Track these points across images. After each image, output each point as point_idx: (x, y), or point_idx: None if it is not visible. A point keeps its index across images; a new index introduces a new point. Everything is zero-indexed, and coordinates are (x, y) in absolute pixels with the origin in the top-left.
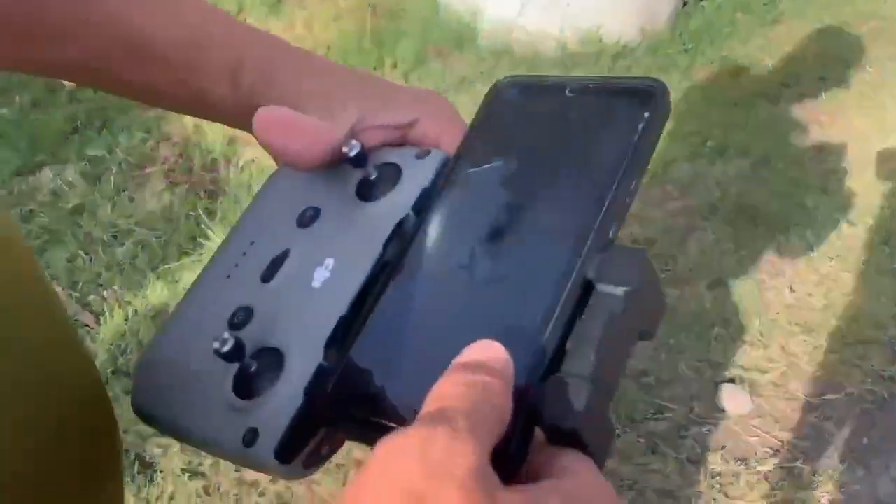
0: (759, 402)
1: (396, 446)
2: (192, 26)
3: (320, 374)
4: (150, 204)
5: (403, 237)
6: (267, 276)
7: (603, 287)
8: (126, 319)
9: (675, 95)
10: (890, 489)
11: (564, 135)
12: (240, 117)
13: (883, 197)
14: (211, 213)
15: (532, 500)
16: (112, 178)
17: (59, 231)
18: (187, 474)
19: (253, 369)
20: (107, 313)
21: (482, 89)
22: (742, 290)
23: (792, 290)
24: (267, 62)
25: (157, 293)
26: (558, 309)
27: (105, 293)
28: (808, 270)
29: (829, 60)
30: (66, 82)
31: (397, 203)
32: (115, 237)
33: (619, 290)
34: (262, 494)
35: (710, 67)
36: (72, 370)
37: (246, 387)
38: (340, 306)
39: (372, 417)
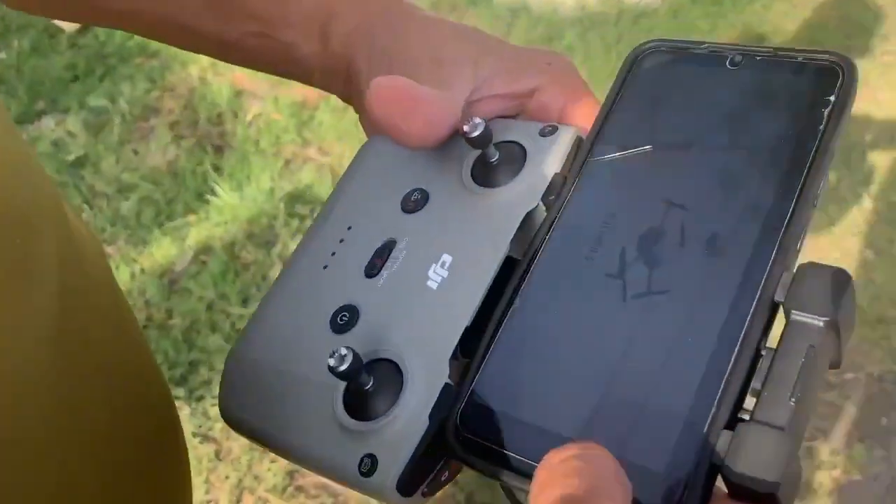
0: None
1: None
2: None
3: (445, 395)
4: (155, 158)
5: (532, 233)
6: (371, 271)
7: (798, 316)
8: (132, 277)
9: None
10: None
11: (729, 118)
12: (328, 76)
13: None
14: (218, 170)
15: None
16: (115, 129)
17: (63, 183)
18: (198, 438)
19: (369, 386)
20: (112, 270)
21: None
22: None
23: None
24: (361, 14)
25: (164, 250)
26: (740, 341)
27: (109, 249)
28: (829, 246)
29: (853, 29)
30: (65, 27)
31: (523, 191)
32: (119, 191)
33: (818, 321)
34: (273, 461)
35: (731, 32)
36: (145, 386)
37: (360, 405)
38: (464, 315)
39: (505, 450)
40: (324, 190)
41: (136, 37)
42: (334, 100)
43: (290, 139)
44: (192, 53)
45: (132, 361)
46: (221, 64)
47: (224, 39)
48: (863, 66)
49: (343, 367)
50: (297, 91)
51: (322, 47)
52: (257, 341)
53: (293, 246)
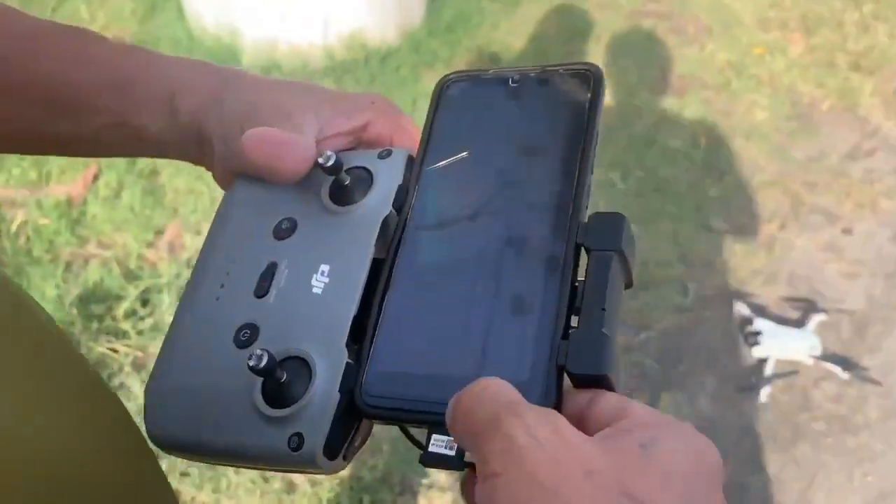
0: None
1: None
2: (117, 68)
3: (349, 372)
4: None
5: (390, 234)
6: (260, 292)
7: (596, 250)
8: None
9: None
10: (708, 404)
11: (519, 121)
12: (181, 146)
13: (644, 149)
14: None
15: (616, 444)
16: None
17: None
18: None
19: (284, 379)
20: None
21: None
22: None
23: None
24: (203, 88)
25: None
26: (561, 277)
27: None
28: None
29: (570, 35)
30: None
31: (377, 203)
32: None
33: (610, 252)
34: None
35: (468, 55)
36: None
37: (279, 396)
38: (350, 306)
39: (402, 400)
40: (114, 283)
41: None
42: (102, 189)
43: (65, 241)
44: None
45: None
46: None
47: (81, 136)
48: None
49: (261, 365)
50: (58, 190)
51: (171, 122)
52: (171, 371)
53: (100, 349)
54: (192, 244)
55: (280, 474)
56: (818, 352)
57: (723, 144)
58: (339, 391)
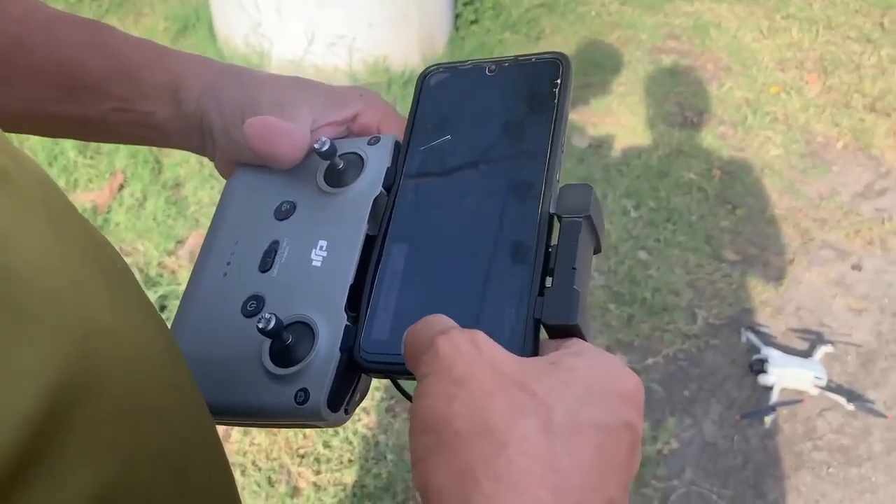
0: None
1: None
2: (125, 57)
3: (348, 333)
4: None
5: (381, 211)
6: (265, 267)
7: (567, 217)
8: None
9: None
10: (713, 430)
11: (495, 106)
12: (184, 134)
13: (658, 180)
14: None
15: (554, 357)
16: None
17: None
18: None
19: (289, 341)
20: None
21: None
22: None
23: (600, 273)
24: (206, 79)
25: None
26: (535, 241)
27: None
28: (610, 253)
29: (590, 68)
30: None
31: (368, 184)
32: None
33: (579, 217)
34: None
35: None
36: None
37: (286, 356)
38: (347, 276)
39: (398, 359)
40: None
41: None
42: (126, 198)
43: None
44: None
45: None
46: None
47: (88, 119)
48: (605, 98)
49: (269, 327)
50: (85, 197)
51: (176, 111)
52: (184, 342)
53: None
54: None
55: (285, 480)
56: (823, 382)
57: (736, 178)
58: (340, 350)
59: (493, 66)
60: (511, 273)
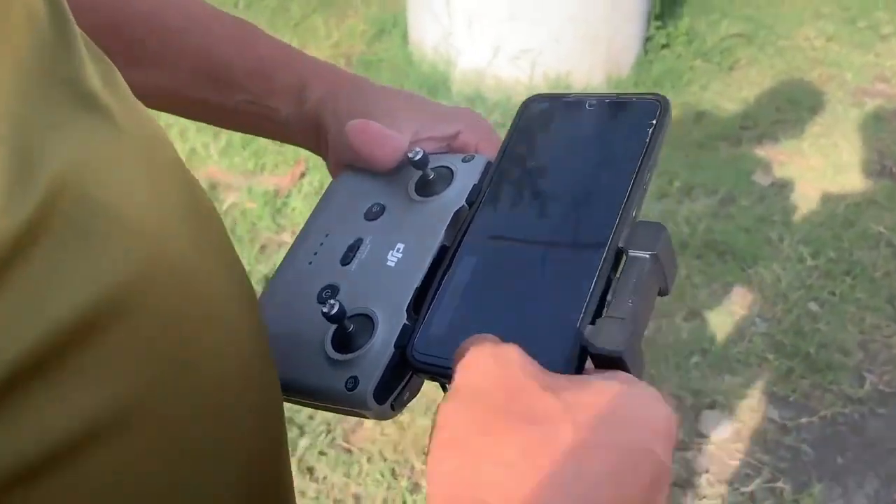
0: (738, 427)
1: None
2: (263, 57)
3: (405, 331)
4: None
5: (459, 224)
6: (346, 261)
7: (634, 252)
8: None
9: None
10: None
11: (588, 139)
12: (302, 131)
13: (842, 229)
14: None
15: (584, 381)
16: None
17: None
18: None
19: (350, 329)
20: None
21: None
22: (716, 320)
23: (763, 320)
24: (327, 84)
25: None
26: (598, 270)
27: None
28: (777, 300)
29: (784, 104)
30: None
31: (453, 197)
32: None
33: (646, 254)
34: None
35: (672, 112)
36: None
37: (345, 344)
38: (415, 279)
39: (447, 363)
40: None
41: None
42: (305, 186)
43: (266, 226)
44: None
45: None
46: (196, 159)
47: (224, 107)
48: (795, 137)
49: (332, 312)
50: (269, 180)
51: (298, 110)
52: (266, 318)
53: None
54: None
55: (407, 475)
56: None
57: None
58: (395, 346)
59: (594, 101)
60: (569, 298)
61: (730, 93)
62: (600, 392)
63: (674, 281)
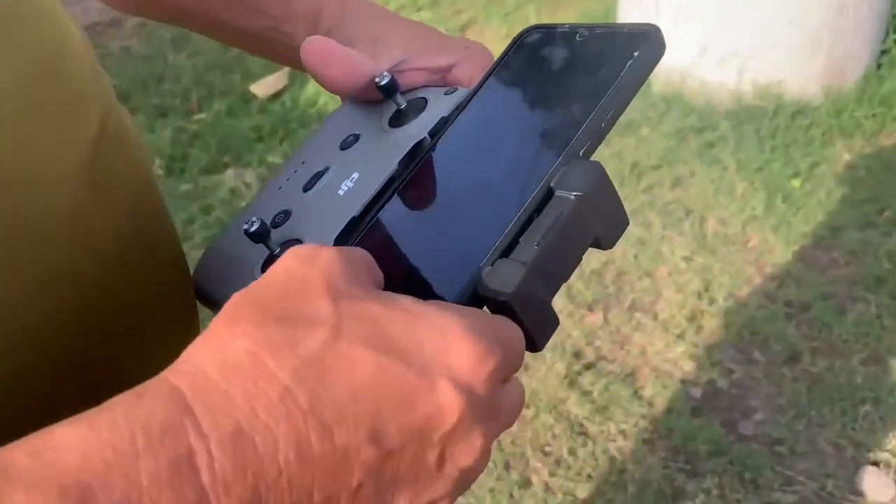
0: None
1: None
2: None
3: None
4: None
5: (416, 156)
6: (307, 187)
7: (559, 192)
8: None
9: (854, 161)
10: None
11: (566, 72)
12: None
13: None
14: None
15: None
16: None
17: None
18: None
19: (276, 253)
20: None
21: (648, 134)
22: None
23: None
24: (339, 9)
25: None
26: (522, 209)
27: None
28: None
29: None
30: (258, 94)
31: (418, 129)
32: None
33: (571, 195)
34: None
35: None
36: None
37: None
38: (354, 210)
39: None
40: None
41: (317, 103)
42: None
43: None
44: None
45: (149, 213)
46: None
47: (248, 31)
48: None
49: (252, 229)
50: None
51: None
52: (224, 241)
53: None
54: None
55: (520, 469)
56: None
57: None
58: None
59: (585, 32)
60: (485, 237)
61: None
62: (388, 309)
63: (619, 232)
